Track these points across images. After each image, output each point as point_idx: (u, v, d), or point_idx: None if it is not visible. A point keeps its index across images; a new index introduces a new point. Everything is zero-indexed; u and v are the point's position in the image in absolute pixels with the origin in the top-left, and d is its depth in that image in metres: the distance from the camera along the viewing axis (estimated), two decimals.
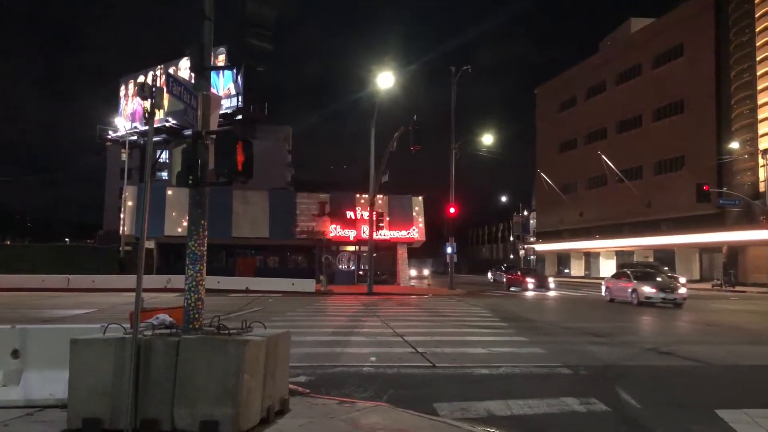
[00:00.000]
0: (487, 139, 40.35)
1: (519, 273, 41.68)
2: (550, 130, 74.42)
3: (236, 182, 7.75)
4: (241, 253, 41.43)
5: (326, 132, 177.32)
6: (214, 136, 7.51)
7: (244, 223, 38.92)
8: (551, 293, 35.28)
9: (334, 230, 39.80)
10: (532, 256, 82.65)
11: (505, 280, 42.57)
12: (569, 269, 72.94)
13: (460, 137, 39.91)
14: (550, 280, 39.72)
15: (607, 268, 59.52)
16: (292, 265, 43.01)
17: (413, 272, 65.63)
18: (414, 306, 24.90)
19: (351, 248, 42.39)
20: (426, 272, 60.48)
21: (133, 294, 6.95)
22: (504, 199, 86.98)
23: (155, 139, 7.39)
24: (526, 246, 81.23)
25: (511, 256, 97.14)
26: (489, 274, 57.28)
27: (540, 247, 77.18)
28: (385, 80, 31.19)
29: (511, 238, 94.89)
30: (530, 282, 38.35)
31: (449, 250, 38.72)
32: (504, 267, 58.27)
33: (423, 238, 42.05)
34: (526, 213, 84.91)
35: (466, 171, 64.86)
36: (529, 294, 35.07)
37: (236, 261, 40.15)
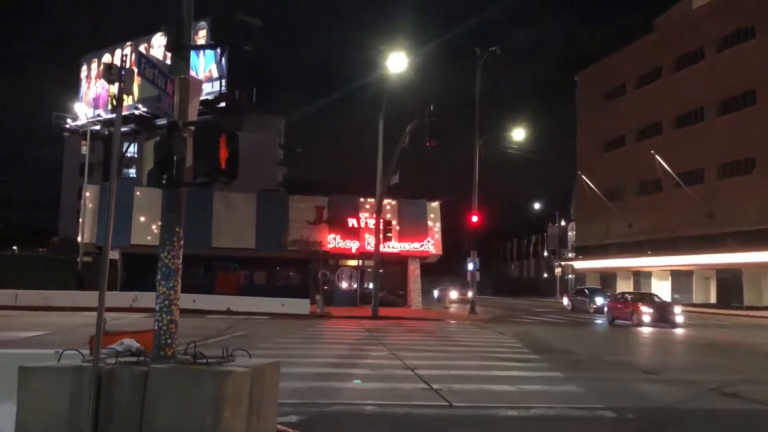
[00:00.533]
0: (518, 134, 40.49)
1: (628, 300, 34.44)
2: (593, 124, 74.32)
3: (218, 182, 7.80)
4: (222, 266, 41.53)
5: (325, 124, 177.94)
6: (192, 128, 7.57)
7: (226, 231, 39.08)
8: (678, 329, 29.65)
9: (333, 241, 39.87)
10: (570, 275, 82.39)
11: (606, 309, 36.18)
12: (613, 291, 72.67)
13: (486, 132, 40.02)
14: (677, 310, 32.09)
15: (661, 290, 59.24)
16: (282, 281, 42.98)
17: (434, 293, 65.51)
18: (428, 333, 24.84)
19: (353, 263, 42.42)
20: (453, 294, 58.60)
21: (93, 314, 6.99)
22: (537, 206, 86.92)
23: (123, 129, 7.48)
24: (562, 263, 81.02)
25: (545, 275, 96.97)
26: (565, 300, 51.15)
27: (580, 264, 76.94)
28: (397, 63, 31.29)
29: (545, 253, 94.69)
30: (647, 313, 31.68)
31: (471, 266, 38.70)
32: (588, 290, 51.28)
33: (439, 252, 42.05)
34: (563, 223, 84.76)
35: (492, 172, 64.72)
36: (644, 329, 29.62)
37: (216, 276, 40.27)
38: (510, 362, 15.78)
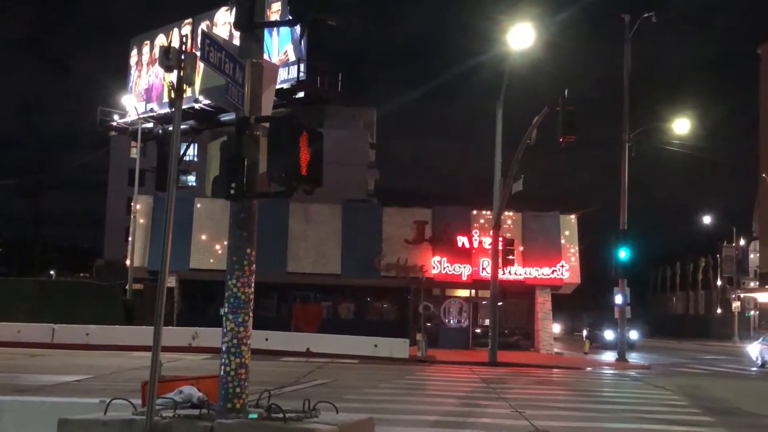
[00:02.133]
0: (681, 126, 39.22)
1: None
2: None
3: (297, 192, 7.94)
4: (300, 296, 42.18)
5: (426, 118, 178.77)
6: (267, 124, 7.74)
7: (305, 253, 39.76)
8: None
9: (438, 265, 39.86)
10: (752, 311, 78.97)
11: None
12: None
13: (638, 124, 39.03)
14: None
15: None
16: (374, 316, 43.22)
17: (584, 333, 63.88)
18: (563, 386, 24.33)
19: (463, 293, 42.18)
20: (609, 334, 54.61)
21: (145, 354, 7.22)
22: (707, 221, 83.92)
23: (182, 126, 7.69)
24: (742, 294, 77.89)
25: (718, 311, 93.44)
26: (750, 348, 44.73)
27: (766, 296, 73.78)
28: (520, 37, 30.95)
29: (718, 282, 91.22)
30: None
31: (619, 299, 37.75)
32: None
33: (576, 280, 41.27)
34: (742, 242, 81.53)
35: (644, 176, 63.24)
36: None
37: (293, 308, 40.99)
38: (674, 426, 15.29)
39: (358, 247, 39.72)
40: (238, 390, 7.62)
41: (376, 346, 32.85)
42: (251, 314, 7.85)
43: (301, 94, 40.01)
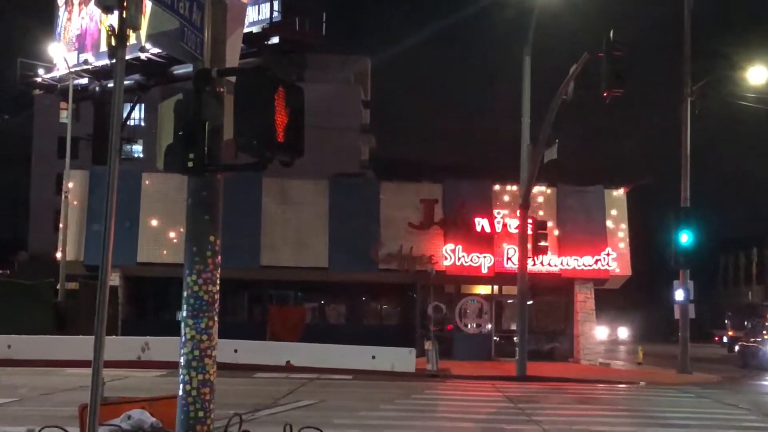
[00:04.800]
0: (757, 74, 39.14)
1: None
2: None
3: (273, 164, 7.93)
4: (278, 296, 42.24)
5: (435, 68, 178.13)
6: (233, 78, 7.73)
7: (283, 242, 39.76)
8: None
9: (451, 255, 39.88)
10: None
11: None
12: None
13: (703, 73, 38.98)
14: None
15: None
16: (371, 320, 43.31)
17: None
18: (609, 405, 24.45)
19: (484, 290, 42.27)
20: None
21: (82, 372, 7.25)
22: None
23: (125, 82, 7.63)
24: None
25: None
26: None
27: None
28: None
29: None
30: None
31: (680, 295, 37.79)
32: None
33: (627, 272, 41.31)
34: None
35: (712, 140, 63.17)
36: None
37: (269, 312, 40.97)
38: None
39: (350, 233, 39.64)
40: (201, 414, 7.65)
41: (374, 357, 32.87)
42: (216, 319, 7.88)
43: (275, 40, 39.85)
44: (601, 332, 61.28)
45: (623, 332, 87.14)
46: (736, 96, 41.79)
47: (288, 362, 33.01)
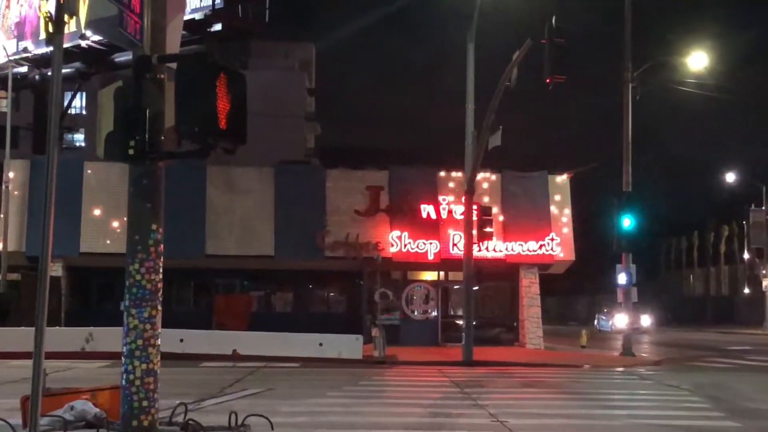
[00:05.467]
0: (697, 60, 39.56)
1: None
2: None
3: (215, 152, 7.87)
4: (224, 285, 41.99)
5: (380, 55, 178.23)
6: (174, 65, 7.65)
7: (228, 230, 39.54)
8: None
9: (397, 242, 39.92)
10: None
11: None
12: None
13: (644, 58, 39.34)
14: None
15: None
16: (318, 308, 43.21)
17: (600, 321, 66.79)
18: (554, 389, 24.57)
19: (430, 276, 42.38)
20: (647, 320, 64.15)
21: (25, 363, 7.16)
22: (730, 179, 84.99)
23: (65, 70, 7.52)
24: None
25: (746, 291, 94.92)
26: None
27: None
28: None
29: (746, 255, 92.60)
30: None
31: (623, 279, 38.19)
32: None
33: (571, 257, 41.68)
34: None
35: (653, 126, 63.81)
36: None
37: (214, 301, 40.84)
38: None
39: (296, 221, 39.52)
40: (145, 404, 7.60)
41: (321, 345, 32.85)
42: (160, 308, 7.82)
43: (218, 27, 39.55)
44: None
45: (567, 317, 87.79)
46: (677, 82, 42.26)
47: (234, 351, 32.86)
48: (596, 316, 74.32)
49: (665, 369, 32.56)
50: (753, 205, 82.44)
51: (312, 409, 18.04)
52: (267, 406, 16.60)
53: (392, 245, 39.81)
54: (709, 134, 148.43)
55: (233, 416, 7.40)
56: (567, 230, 41.53)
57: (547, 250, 40.64)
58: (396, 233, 39.91)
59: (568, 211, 41.76)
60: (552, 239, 40.69)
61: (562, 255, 41.15)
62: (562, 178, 42.10)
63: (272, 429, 7.43)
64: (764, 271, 77.88)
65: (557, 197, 41.71)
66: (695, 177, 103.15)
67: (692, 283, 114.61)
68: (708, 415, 18.54)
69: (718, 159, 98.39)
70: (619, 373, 30.37)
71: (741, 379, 28.06)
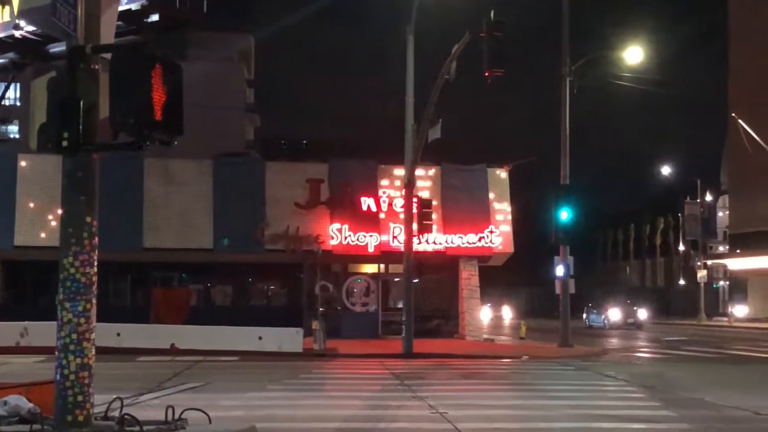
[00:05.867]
0: (633, 55, 39.98)
1: None
2: (757, 35, 73.44)
3: (151, 144, 7.78)
4: (162, 279, 41.68)
5: (321, 47, 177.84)
6: (108, 56, 7.55)
7: (166, 223, 39.20)
8: None
9: (337, 234, 39.86)
10: (721, 282, 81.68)
11: None
12: None
13: (580, 53, 39.64)
14: None
15: None
16: (258, 301, 43.06)
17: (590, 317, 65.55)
18: (494, 380, 24.73)
19: (371, 269, 42.42)
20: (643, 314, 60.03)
21: None
22: (666, 172, 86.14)
23: None
24: (708, 261, 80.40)
25: (681, 281, 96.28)
26: None
27: (737, 262, 76.33)
28: None
29: (681, 248, 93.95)
30: None
31: (561, 270, 38.50)
32: None
33: (509, 249, 41.92)
34: (708, 198, 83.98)
35: (590, 119, 64.46)
36: None
37: (152, 294, 40.50)
38: (630, 424, 15.78)
39: (235, 214, 39.27)
40: (80, 398, 7.50)
41: (260, 338, 32.76)
42: (94, 301, 7.71)
43: (155, 17, 39.26)
44: (486, 312, 62.28)
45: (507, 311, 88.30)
46: (613, 76, 42.66)
47: (173, 345, 32.67)
48: (585, 310, 66.70)
49: (603, 360, 32.89)
50: (688, 198, 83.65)
51: (251, 403, 17.97)
52: (205, 400, 16.50)
53: (332, 238, 39.72)
54: (646, 128, 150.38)
55: (170, 410, 7.32)
56: (506, 223, 41.73)
57: (486, 243, 40.79)
58: (336, 226, 39.82)
59: (507, 203, 41.95)
60: (491, 232, 40.84)
61: (501, 247, 41.33)
62: (502, 172, 42.29)
63: (210, 423, 7.35)
64: (699, 263, 79.10)
65: (497, 190, 41.88)
66: (632, 170, 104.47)
67: (629, 275, 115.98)
68: (644, 405, 18.79)
69: (655, 152, 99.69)
70: (557, 364, 30.56)
71: (676, 369, 28.44)
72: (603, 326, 60.15)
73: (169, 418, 7.27)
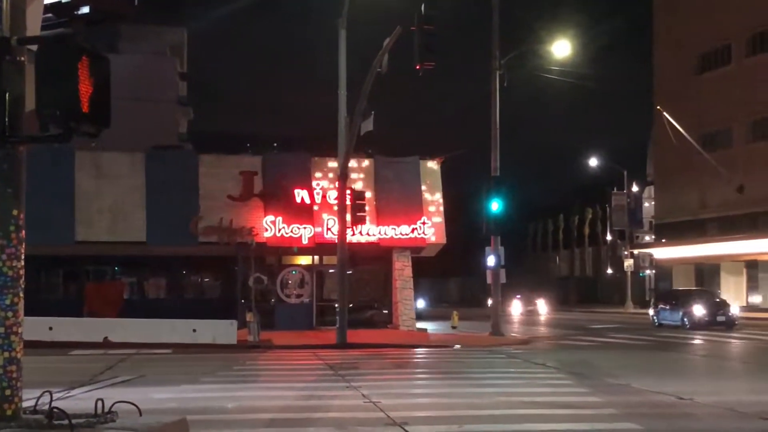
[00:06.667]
0: (561, 48, 40.37)
1: None
2: (680, 29, 74.45)
3: (80, 136, 7.68)
4: (95, 272, 41.23)
5: (253, 39, 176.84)
6: (34, 47, 7.44)
7: (98, 216, 38.77)
8: None
9: (271, 227, 39.74)
10: (647, 270, 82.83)
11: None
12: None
13: (510, 47, 39.93)
14: None
15: None
16: (192, 294, 42.81)
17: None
18: (426, 368, 24.92)
19: (305, 261, 42.38)
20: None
21: None
22: (593, 164, 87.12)
23: None
24: (635, 251, 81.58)
25: (609, 271, 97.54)
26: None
27: (662, 251, 77.34)
28: None
29: (608, 237, 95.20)
30: None
31: (492, 261, 38.83)
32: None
33: (442, 240, 42.13)
34: (635, 189, 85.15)
35: (520, 112, 64.93)
36: None
37: (85, 288, 40.11)
38: (557, 410, 15.98)
39: (169, 206, 38.90)
40: (8, 392, 7.40)
41: (195, 330, 32.59)
42: (22, 295, 7.61)
43: (85, 10, 38.75)
44: (421, 303, 62.40)
45: (440, 299, 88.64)
46: (543, 69, 43.04)
47: (106, 338, 32.38)
48: (652, 304, 51.75)
49: (532, 348, 33.24)
50: (615, 189, 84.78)
51: (184, 395, 17.88)
52: (138, 393, 16.36)
53: (266, 230, 39.60)
54: (575, 121, 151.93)
55: (100, 403, 7.23)
56: (438, 214, 41.95)
57: (419, 234, 40.98)
58: (270, 218, 39.69)
59: (439, 195, 42.17)
60: (424, 223, 41.04)
61: (433, 239, 41.55)
62: (433, 164, 42.48)
63: (141, 415, 7.28)
64: (626, 253, 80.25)
65: (429, 182, 42.07)
66: (561, 162, 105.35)
67: (558, 265, 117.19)
68: (572, 391, 19.01)
69: (583, 145, 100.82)
70: (488, 353, 30.82)
71: (603, 356, 28.86)
72: (682, 325, 44.36)
73: (99, 410, 7.17)
